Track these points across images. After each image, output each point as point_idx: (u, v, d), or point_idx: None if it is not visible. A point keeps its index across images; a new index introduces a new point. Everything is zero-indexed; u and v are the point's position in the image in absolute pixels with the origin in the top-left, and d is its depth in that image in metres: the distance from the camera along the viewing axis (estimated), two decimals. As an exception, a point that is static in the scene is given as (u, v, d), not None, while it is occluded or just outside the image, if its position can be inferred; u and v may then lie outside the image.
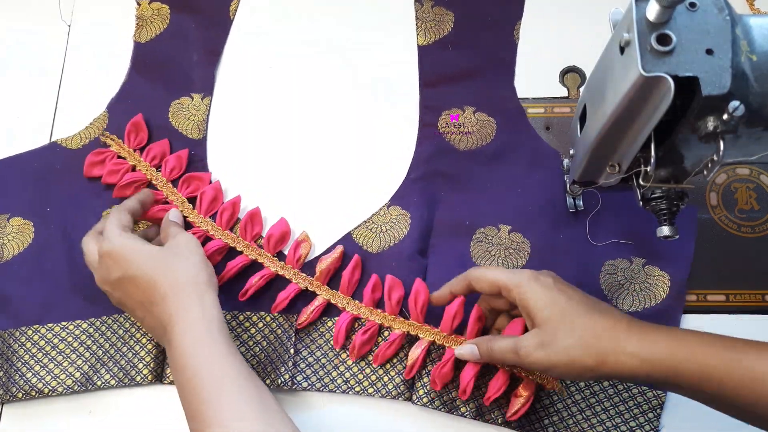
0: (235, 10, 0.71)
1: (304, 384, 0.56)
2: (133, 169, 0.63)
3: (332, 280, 0.59)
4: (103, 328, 0.59)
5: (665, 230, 0.49)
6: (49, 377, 0.57)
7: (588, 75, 0.64)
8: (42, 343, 0.58)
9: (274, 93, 0.68)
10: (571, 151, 0.53)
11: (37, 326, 0.59)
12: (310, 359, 0.57)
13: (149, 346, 0.58)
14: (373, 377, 0.56)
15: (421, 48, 0.69)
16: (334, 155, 0.65)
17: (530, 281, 0.50)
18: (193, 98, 0.67)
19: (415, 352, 0.55)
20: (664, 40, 0.38)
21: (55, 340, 0.58)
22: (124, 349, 0.58)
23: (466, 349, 0.53)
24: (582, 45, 0.66)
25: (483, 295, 0.55)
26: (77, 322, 0.59)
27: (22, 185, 0.64)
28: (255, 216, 0.61)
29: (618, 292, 0.58)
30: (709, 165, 0.42)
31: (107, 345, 0.58)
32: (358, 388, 0.56)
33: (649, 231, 0.50)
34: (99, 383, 0.57)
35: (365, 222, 0.61)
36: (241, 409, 0.45)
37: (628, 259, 0.59)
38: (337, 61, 0.69)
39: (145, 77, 0.68)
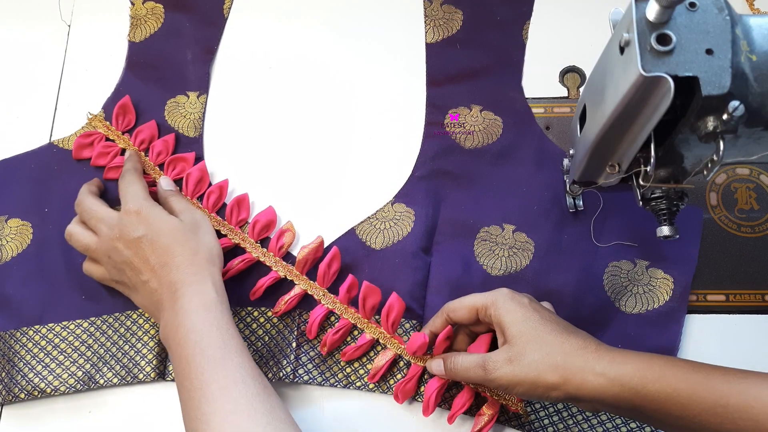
0: (230, 8, 0.71)
1: (306, 377, 0.56)
2: (123, 152, 0.64)
3: (312, 270, 0.59)
4: (104, 326, 0.59)
5: (665, 230, 0.49)
6: (52, 377, 0.57)
7: (588, 75, 0.64)
8: (43, 342, 0.58)
9: (274, 90, 0.68)
10: (571, 151, 0.53)
11: (37, 326, 0.59)
12: (312, 353, 0.57)
13: (151, 344, 0.58)
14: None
15: (429, 46, 0.69)
16: (338, 152, 0.65)
17: (506, 298, 0.50)
18: (188, 96, 0.67)
19: (381, 360, 0.55)
20: (664, 40, 0.38)
21: (56, 340, 0.58)
22: (126, 347, 0.58)
23: (435, 363, 0.53)
24: (582, 45, 0.67)
25: (463, 328, 0.55)
26: (78, 321, 0.59)
27: (20, 186, 0.64)
28: (242, 202, 0.61)
29: (621, 293, 0.58)
30: (709, 165, 0.42)
31: (109, 343, 0.58)
32: (359, 383, 0.56)
33: (654, 233, 0.50)
34: (102, 382, 0.57)
35: (369, 218, 0.62)
36: (244, 374, 0.46)
37: (632, 261, 0.59)
38: (340, 59, 0.69)
39: (140, 76, 0.68)
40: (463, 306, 0.52)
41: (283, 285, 0.59)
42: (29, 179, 0.64)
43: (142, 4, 0.71)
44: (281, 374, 0.56)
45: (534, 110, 0.65)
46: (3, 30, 0.72)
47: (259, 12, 0.71)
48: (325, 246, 0.60)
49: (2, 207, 0.63)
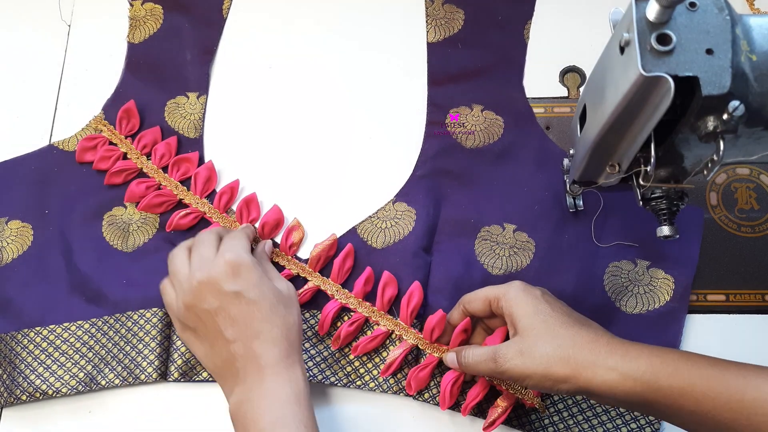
0: (229, 8, 0.71)
1: (307, 375, 0.56)
2: (125, 156, 0.64)
3: (325, 268, 0.59)
4: (105, 327, 0.59)
5: (665, 230, 0.49)
6: (53, 378, 0.57)
7: (588, 75, 0.64)
8: (44, 344, 0.58)
9: (274, 90, 0.68)
10: (571, 151, 0.53)
11: (39, 328, 0.58)
12: (313, 351, 0.57)
13: (153, 344, 0.58)
14: (375, 372, 0.57)
15: (430, 45, 0.68)
16: (339, 151, 0.65)
17: (518, 290, 0.50)
18: (188, 97, 0.67)
19: (396, 352, 0.55)
20: (664, 39, 0.38)
21: (58, 341, 0.58)
22: (128, 348, 0.58)
23: (449, 356, 0.53)
24: (582, 45, 0.67)
25: (480, 323, 0.55)
26: (79, 322, 0.59)
27: (20, 188, 0.64)
28: (251, 202, 0.61)
29: (622, 293, 0.58)
30: (709, 165, 0.42)
31: (110, 345, 0.58)
32: (359, 383, 0.56)
33: (654, 233, 0.50)
34: (103, 383, 0.57)
35: (370, 217, 0.62)
36: None
37: (632, 261, 0.59)
38: (341, 58, 0.69)
39: (140, 77, 0.68)
40: (477, 297, 0.52)
41: (295, 283, 0.59)
42: (29, 181, 0.64)
43: (141, 5, 0.71)
44: None
45: (534, 110, 0.65)
46: (3, 30, 0.72)
47: (259, 12, 0.71)
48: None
49: (2, 209, 0.63)
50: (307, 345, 0.57)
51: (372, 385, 0.56)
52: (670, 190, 0.48)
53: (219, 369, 0.50)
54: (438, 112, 0.65)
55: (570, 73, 0.67)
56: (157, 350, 0.58)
